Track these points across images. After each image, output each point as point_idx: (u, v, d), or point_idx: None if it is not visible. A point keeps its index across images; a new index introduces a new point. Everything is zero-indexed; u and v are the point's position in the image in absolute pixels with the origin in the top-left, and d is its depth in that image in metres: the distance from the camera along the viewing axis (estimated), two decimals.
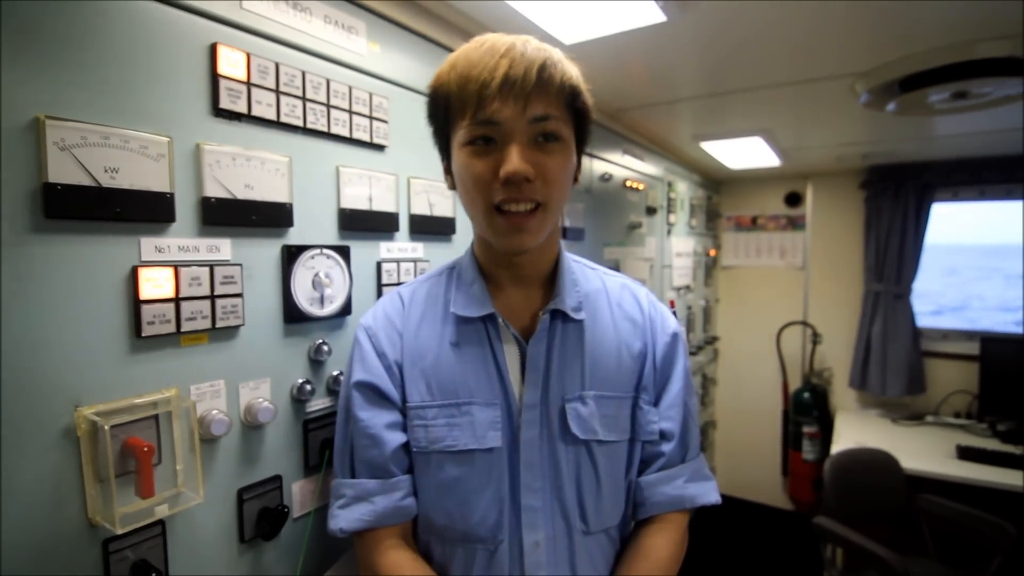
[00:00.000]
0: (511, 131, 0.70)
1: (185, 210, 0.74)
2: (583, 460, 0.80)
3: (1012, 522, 1.93)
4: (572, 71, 0.74)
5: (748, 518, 3.56)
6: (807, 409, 3.18)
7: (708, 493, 0.87)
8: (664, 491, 0.84)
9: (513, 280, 0.84)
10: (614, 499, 0.83)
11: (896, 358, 3.02)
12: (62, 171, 0.62)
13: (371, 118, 1.00)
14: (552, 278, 0.86)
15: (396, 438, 0.79)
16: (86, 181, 0.64)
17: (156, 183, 0.70)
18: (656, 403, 0.87)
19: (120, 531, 0.65)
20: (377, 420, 0.79)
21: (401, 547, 0.79)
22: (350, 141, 0.97)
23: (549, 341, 0.82)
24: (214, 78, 0.77)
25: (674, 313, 0.96)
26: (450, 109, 0.75)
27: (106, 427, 0.63)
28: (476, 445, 0.78)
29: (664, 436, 0.86)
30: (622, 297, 0.91)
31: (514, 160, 0.69)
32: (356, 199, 0.98)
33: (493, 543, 0.79)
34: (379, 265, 1.04)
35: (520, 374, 0.81)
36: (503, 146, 0.71)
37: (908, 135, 2.41)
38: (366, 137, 0.99)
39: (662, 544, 0.83)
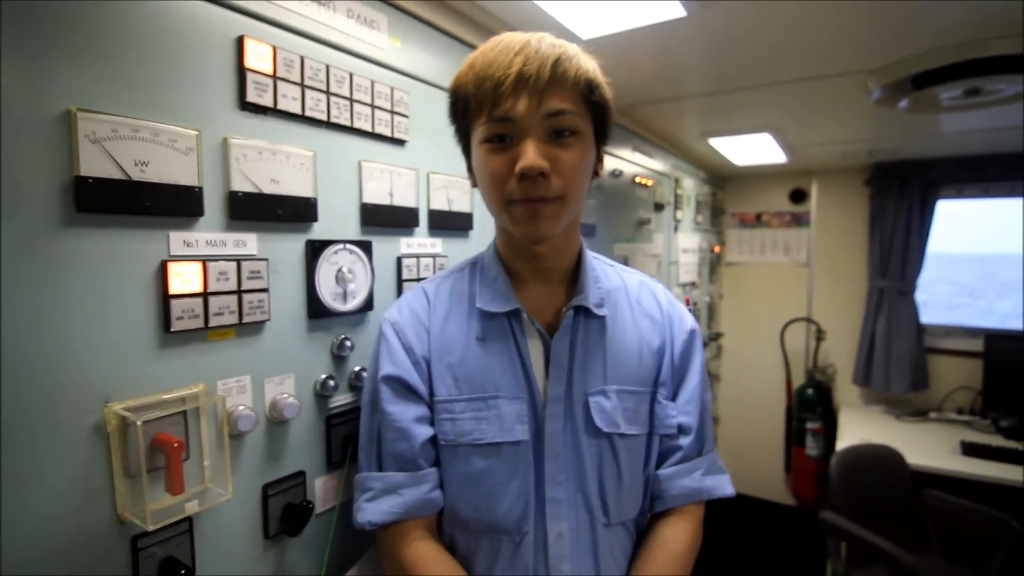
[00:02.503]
0: (526, 127, 0.71)
1: (213, 204, 0.74)
2: (605, 453, 0.81)
3: (1016, 517, 1.94)
4: (588, 65, 0.75)
5: (751, 513, 3.57)
6: (811, 405, 3.19)
7: (724, 485, 0.88)
8: (682, 484, 0.86)
9: (536, 275, 0.85)
10: (634, 492, 0.84)
11: (900, 355, 3.02)
12: (93, 164, 0.61)
13: (392, 112, 0.99)
14: (574, 274, 0.87)
15: (424, 431, 0.80)
16: (117, 175, 0.63)
17: (185, 177, 0.70)
18: (674, 398, 0.88)
19: (151, 527, 0.65)
20: (406, 414, 0.79)
21: (427, 539, 0.79)
22: (372, 136, 0.96)
23: (572, 336, 0.83)
24: (241, 71, 0.76)
25: (691, 311, 0.96)
26: (469, 108, 0.75)
27: (138, 423, 0.63)
28: (504, 438, 0.78)
29: (682, 430, 0.87)
30: (641, 294, 0.92)
31: (529, 155, 0.70)
32: (377, 194, 0.97)
33: (519, 535, 0.79)
34: (399, 260, 1.03)
35: (544, 368, 0.82)
36: (519, 142, 0.72)
37: (914, 132, 2.41)
38: (387, 132, 0.98)
39: (681, 536, 0.84)
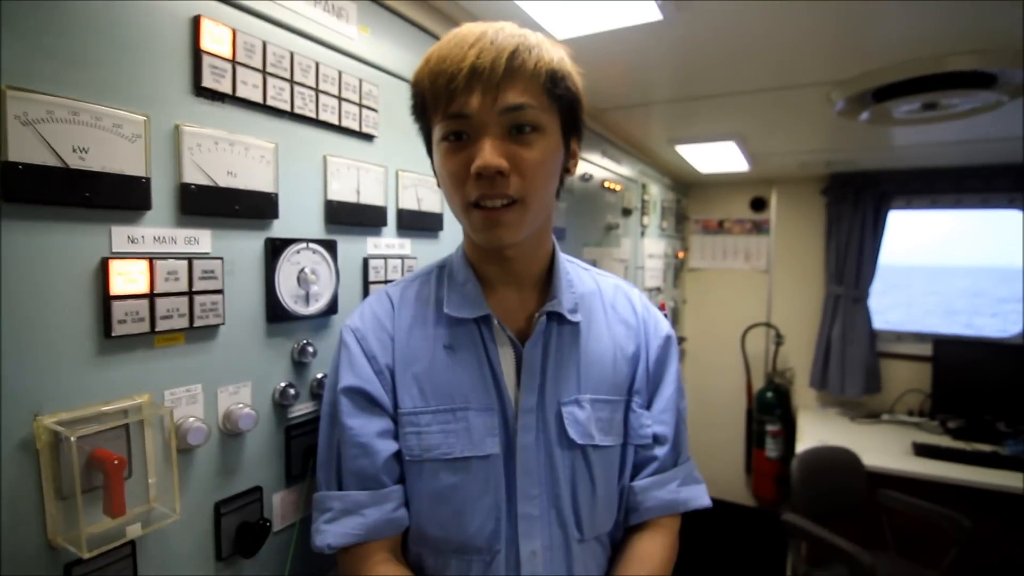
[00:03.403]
0: (482, 124, 0.67)
1: (162, 197, 0.67)
2: (579, 466, 0.78)
3: (966, 515, 2.02)
4: (551, 55, 0.70)
5: (712, 514, 3.62)
6: (770, 408, 3.26)
7: (700, 496, 0.87)
8: (658, 496, 0.83)
9: (506, 280, 0.81)
10: (608, 505, 0.81)
11: (854, 359, 3.12)
12: (24, 149, 0.55)
13: (361, 106, 0.94)
14: (547, 278, 0.83)
15: (387, 447, 0.75)
16: (51, 161, 0.57)
17: (131, 166, 0.63)
18: (649, 406, 0.86)
19: (87, 555, 0.58)
20: (368, 428, 0.75)
21: (391, 562, 0.74)
22: (339, 129, 0.91)
23: (545, 344, 0.79)
24: (196, 54, 0.70)
25: (666, 315, 0.94)
26: (426, 105, 0.71)
27: (72, 438, 0.56)
28: (473, 452, 0.75)
29: (657, 440, 0.84)
30: (616, 299, 0.89)
31: (484, 153, 0.66)
32: (344, 191, 0.92)
33: (490, 553, 0.76)
34: (366, 262, 0.98)
35: (515, 377, 0.78)
36: (476, 140, 0.68)
37: (870, 144, 2.49)
38: (355, 126, 0.93)
39: (656, 550, 0.82)
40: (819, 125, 2.13)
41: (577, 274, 0.88)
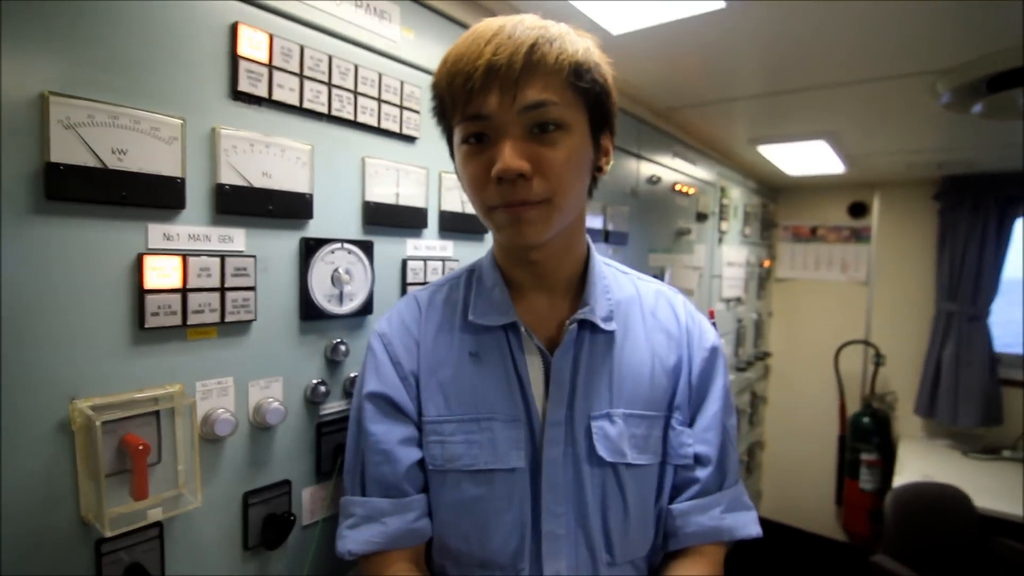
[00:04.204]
0: (502, 124, 0.63)
1: (197, 197, 0.70)
2: (609, 484, 0.73)
3: None
4: (575, 46, 0.65)
5: (796, 547, 3.34)
6: (866, 435, 2.95)
7: (748, 525, 0.79)
8: (699, 521, 0.76)
9: (536, 285, 0.77)
10: (642, 528, 0.76)
11: (970, 385, 2.76)
12: (66, 151, 0.59)
13: (401, 107, 0.94)
14: (580, 283, 0.79)
15: (410, 454, 0.74)
16: (91, 162, 0.61)
17: (167, 167, 0.67)
18: (691, 424, 0.79)
19: (109, 533, 0.61)
20: (391, 435, 0.74)
21: (411, 573, 0.73)
22: (378, 131, 0.92)
23: (576, 353, 0.75)
24: (233, 59, 0.73)
25: (714, 324, 0.86)
26: (445, 107, 0.69)
27: (97, 422, 0.59)
28: (497, 464, 0.72)
29: (699, 460, 0.78)
30: (657, 305, 0.83)
31: (504, 156, 0.62)
32: (382, 192, 0.93)
33: (514, 570, 0.72)
34: (405, 263, 0.98)
35: (544, 388, 0.74)
36: (496, 141, 0.64)
37: (991, 142, 2.19)
38: (395, 128, 0.94)
39: None
40: (926, 121, 1.90)
41: (615, 279, 0.83)
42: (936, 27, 1.18)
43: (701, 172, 2.27)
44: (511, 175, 0.62)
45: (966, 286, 2.81)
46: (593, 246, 0.81)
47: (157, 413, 0.68)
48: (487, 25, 0.65)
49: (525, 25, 0.64)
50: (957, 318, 2.83)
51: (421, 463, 0.74)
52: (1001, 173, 2.72)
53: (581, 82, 0.65)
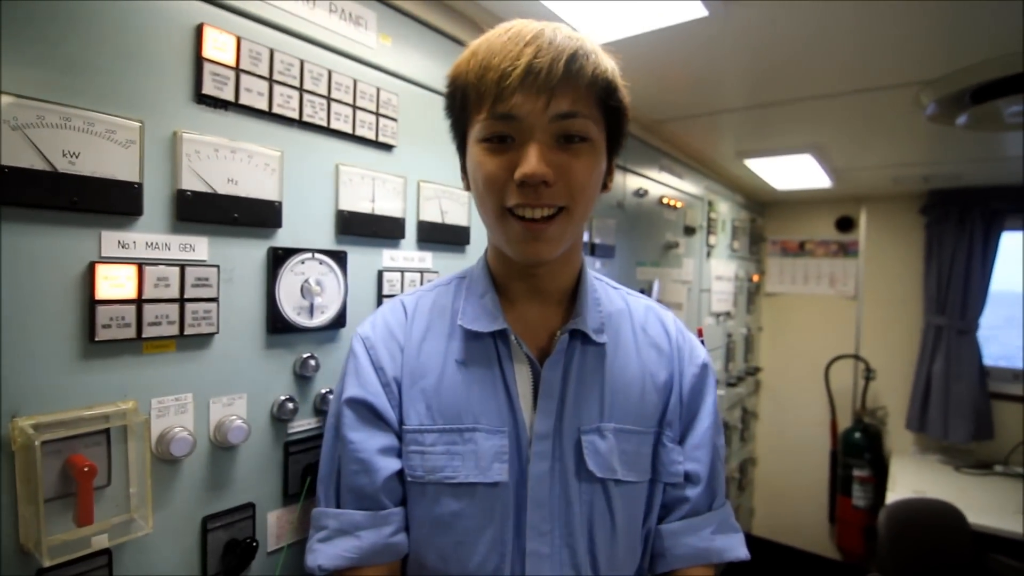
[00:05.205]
0: (531, 128, 0.62)
1: (156, 203, 0.67)
2: (598, 501, 0.70)
3: None
4: (607, 64, 0.66)
5: (790, 565, 3.28)
6: (858, 451, 2.93)
7: (736, 547, 0.77)
8: (689, 542, 0.74)
9: (529, 294, 0.75)
10: (630, 547, 0.73)
11: (960, 399, 2.75)
12: (13, 153, 0.56)
13: (378, 115, 0.92)
14: (573, 294, 0.77)
15: (389, 465, 0.70)
16: (40, 165, 0.57)
17: (123, 171, 0.63)
18: (681, 441, 0.77)
19: (48, 563, 0.57)
20: (369, 443, 0.70)
21: None
22: (352, 138, 0.89)
23: (566, 365, 0.73)
24: (198, 61, 0.70)
25: (702, 342, 0.84)
26: (468, 101, 0.67)
27: (36, 442, 0.55)
28: (479, 478, 0.68)
29: (689, 479, 0.76)
30: (647, 321, 0.81)
31: (531, 160, 0.61)
32: (357, 201, 0.90)
33: None
34: (380, 274, 0.95)
35: (532, 400, 0.72)
36: (521, 144, 0.63)
37: (976, 155, 2.20)
38: (371, 135, 0.91)
39: None
40: (911, 134, 1.91)
41: (606, 292, 0.82)
42: (921, 38, 1.18)
43: (688, 186, 2.27)
44: (536, 180, 0.62)
45: (954, 300, 2.81)
46: (586, 260, 0.79)
47: (107, 432, 0.64)
48: (525, 26, 0.64)
49: (563, 34, 0.64)
50: (946, 332, 2.83)
51: (400, 474, 0.71)
52: (986, 187, 2.74)
53: (610, 100, 0.66)
